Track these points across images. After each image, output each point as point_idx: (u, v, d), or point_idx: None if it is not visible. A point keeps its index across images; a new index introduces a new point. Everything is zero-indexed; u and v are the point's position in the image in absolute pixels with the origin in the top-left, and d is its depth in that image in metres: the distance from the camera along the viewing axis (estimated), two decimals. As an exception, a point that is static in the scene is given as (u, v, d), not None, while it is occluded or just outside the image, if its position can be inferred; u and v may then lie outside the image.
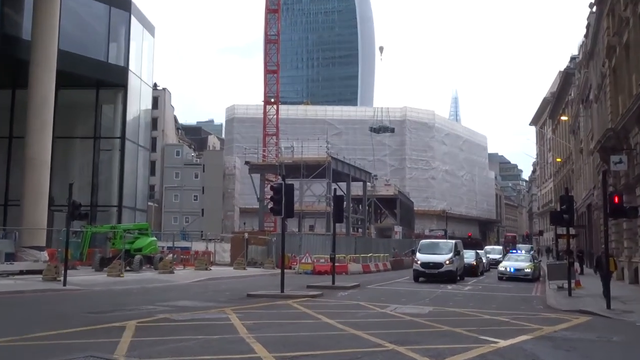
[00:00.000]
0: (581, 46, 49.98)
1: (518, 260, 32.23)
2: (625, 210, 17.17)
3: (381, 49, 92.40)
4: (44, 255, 25.32)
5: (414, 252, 40.35)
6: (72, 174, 35.52)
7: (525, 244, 77.60)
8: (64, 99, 32.71)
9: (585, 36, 43.70)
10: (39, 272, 22.49)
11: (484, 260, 38.16)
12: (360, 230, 63.23)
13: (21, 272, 23.51)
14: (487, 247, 53.40)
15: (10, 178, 32.36)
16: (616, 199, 16.73)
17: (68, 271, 20.64)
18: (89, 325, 11.15)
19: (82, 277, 23.46)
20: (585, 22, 42.56)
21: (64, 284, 19.79)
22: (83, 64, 33.36)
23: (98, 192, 36.06)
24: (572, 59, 60.01)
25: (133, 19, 37.14)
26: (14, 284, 19.90)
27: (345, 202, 45.47)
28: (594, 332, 12.12)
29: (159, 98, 72.35)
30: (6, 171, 33.12)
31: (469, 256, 33.46)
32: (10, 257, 24.68)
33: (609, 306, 16.31)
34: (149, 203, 50.17)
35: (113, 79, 35.71)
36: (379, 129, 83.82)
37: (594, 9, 35.83)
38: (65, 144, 35.91)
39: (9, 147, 33.48)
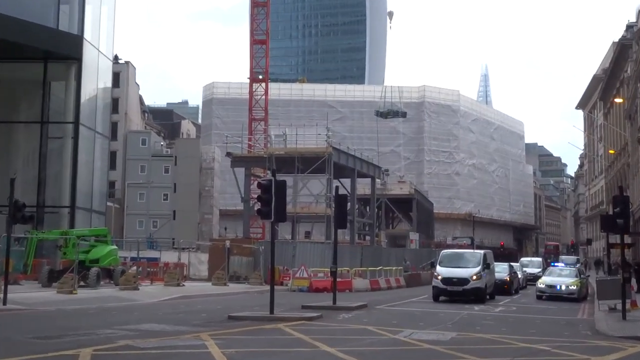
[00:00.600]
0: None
1: (561, 276, 32.48)
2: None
3: (390, 14, 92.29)
4: (-21, 267, 25.28)
5: (433, 265, 40.53)
6: (14, 166, 35.49)
7: (570, 255, 77.79)
8: (4, 75, 32.71)
9: (646, 0, 43.65)
10: (-27, 287, 22.47)
11: (519, 275, 38.37)
12: (367, 237, 63.31)
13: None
14: (524, 259, 53.58)
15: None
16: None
17: (9, 287, 20.63)
18: (34, 354, 11.16)
19: (27, 294, 23.45)
20: (646, -17, 42.55)
21: (4, 303, 19.81)
22: (27, 32, 33.29)
23: (46, 189, 36.04)
24: (629, 27, 60.07)
25: (89, -23, 37.05)
26: (-58, 303, 19.91)
27: (349, 203, 45.68)
28: (653, 364, 12.14)
29: (120, 74, 72.27)
30: None
31: (500, 270, 33.62)
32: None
33: (672, 332, 16.33)
34: (109, 203, 50.17)
35: (64, 51, 35.64)
36: (387, 113, 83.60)
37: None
38: (5, 129, 35.87)
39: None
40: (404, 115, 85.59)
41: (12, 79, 35.16)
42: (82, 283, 27.67)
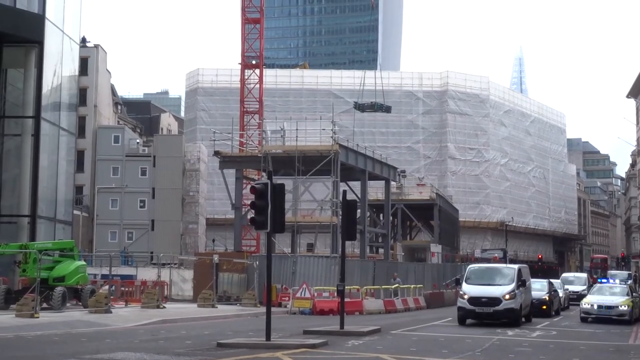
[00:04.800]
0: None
1: (610, 294, 32.57)
2: None
3: None
4: None
5: (458, 283, 40.55)
6: (-36, 169, 35.54)
7: (620, 269, 77.73)
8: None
9: None
10: None
11: (560, 294, 38.50)
12: (381, 250, 63.27)
13: None
14: (566, 275, 53.67)
15: None
16: None
17: (-41, 310, 20.70)
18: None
19: (-21, 319, 23.53)
20: None
21: (-47, 329, 19.86)
22: (-21, 11, 33.38)
23: (1, 195, 36.11)
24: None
25: (51, -55, 37.14)
26: None
27: (359, 210, 45.62)
28: None
29: (89, 60, 72.37)
30: None
31: (538, 288, 33.86)
32: None
33: None
34: (76, 212, 50.23)
35: (22, 32, 35.68)
36: (368, 106, 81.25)
37: None
38: (-47, 126, 35.84)
39: None
40: (387, 110, 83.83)
41: (-38, 66, 35.23)
42: (45, 305, 27.70)
